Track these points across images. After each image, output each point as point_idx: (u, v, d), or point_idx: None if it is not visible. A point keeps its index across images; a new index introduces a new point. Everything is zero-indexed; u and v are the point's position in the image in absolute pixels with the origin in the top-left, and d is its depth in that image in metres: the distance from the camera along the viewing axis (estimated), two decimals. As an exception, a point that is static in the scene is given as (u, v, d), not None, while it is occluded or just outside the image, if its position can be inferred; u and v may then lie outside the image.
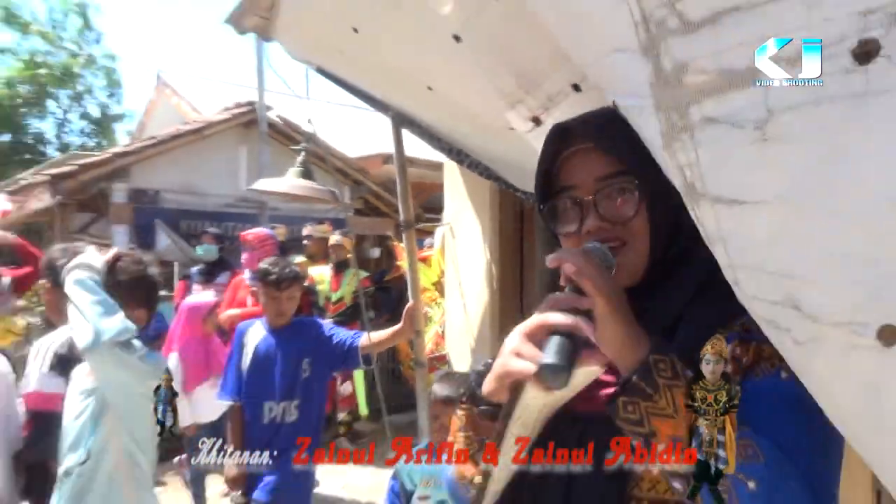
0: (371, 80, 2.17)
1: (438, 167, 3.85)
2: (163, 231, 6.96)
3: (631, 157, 0.92)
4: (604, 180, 0.96)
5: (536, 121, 1.20)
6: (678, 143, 0.71)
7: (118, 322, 1.87)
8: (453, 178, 2.72)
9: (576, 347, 0.81)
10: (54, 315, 2.39)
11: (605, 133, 0.95)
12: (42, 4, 19.02)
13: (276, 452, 2.78)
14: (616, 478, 0.88)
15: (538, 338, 0.84)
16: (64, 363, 2.32)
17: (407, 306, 2.96)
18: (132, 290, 2.01)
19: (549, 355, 0.80)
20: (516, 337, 0.86)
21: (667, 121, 0.70)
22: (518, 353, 0.85)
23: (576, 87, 1.08)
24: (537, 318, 0.84)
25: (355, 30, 1.57)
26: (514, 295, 3.30)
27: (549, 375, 0.79)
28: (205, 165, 7.61)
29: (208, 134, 7.60)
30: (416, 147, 2.74)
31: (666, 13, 0.66)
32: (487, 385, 0.94)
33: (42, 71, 18.42)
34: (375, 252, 8.44)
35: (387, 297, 6.40)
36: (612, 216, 0.95)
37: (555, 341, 0.80)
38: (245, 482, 2.87)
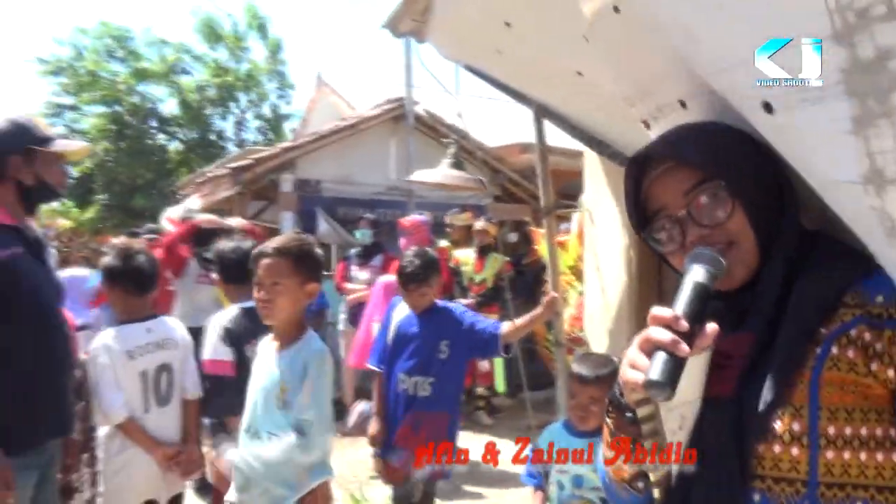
0: (517, 74, 2.15)
1: (574, 155, 3.77)
2: (322, 217, 7.34)
3: (713, 163, 0.92)
4: (691, 192, 0.95)
5: (646, 124, 1.18)
6: (873, 128, 0.66)
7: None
8: (593, 166, 2.64)
9: (678, 363, 0.80)
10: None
11: (685, 146, 0.96)
12: (228, 19, 20.46)
13: (409, 422, 2.87)
14: (739, 456, 0.86)
15: (648, 350, 0.83)
16: (232, 336, 2.57)
17: (547, 294, 2.93)
18: (308, 264, 2.12)
19: (654, 371, 0.79)
20: (633, 346, 0.86)
21: (861, 106, 0.66)
22: (632, 364, 0.85)
23: (682, 104, 1.05)
24: (645, 332, 0.84)
25: (507, 24, 1.56)
26: (652, 279, 3.16)
27: (653, 390, 0.80)
28: (359, 157, 7.93)
29: (362, 128, 7.89)
30: (553, 137, 2.71)
31: (871, 1, 0.62)
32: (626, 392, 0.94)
33: (228, 78, 20.02)
34: (513, 237, 8.44)
35: (523, 280, 6.38)
36: (709, 222, 0.94)
37: (659, 358, 0.80)
38: (383, 442, 2.98)
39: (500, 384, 6.12)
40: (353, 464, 4.62)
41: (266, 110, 21.75)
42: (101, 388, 2.44)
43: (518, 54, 1.85)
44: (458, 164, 3.15)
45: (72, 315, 2.47)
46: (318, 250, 2.20)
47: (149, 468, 2.48)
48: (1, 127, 2.01)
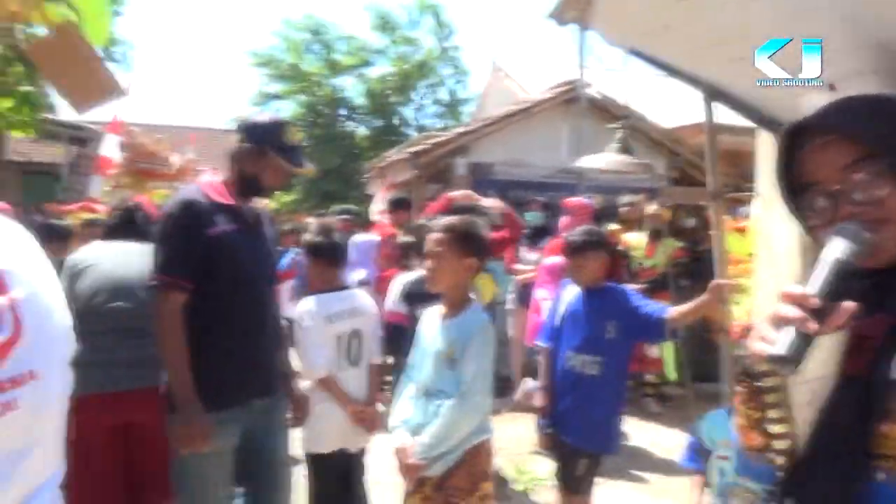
0: (687, 53, 2.12)
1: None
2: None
3: (879, 138, 0.88)
4: (850, 167, 0.91)
5: (832, 87, 1.13)
6: None
7: None
8: (766, 148, 2.52)
9: (806, 340, 0.80)
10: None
11: (852, 120, 0.92)
12: (403, 10, 21.47)
13: (577, 400, 2.94)
14: (864, 435, 0.86)
15: (777, 325, 0.84)
16: (410, 296, 2.93)
17: (713, 281, 2.84)
18: (470, 241, 2.30)
19: (780, 346, 0.80)
20: (764, 320, 0.87)
21: None
22: (761, 337, 0.86)
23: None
24: (775, 308, 0.84)
25: None
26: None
27: (778, 365, 0.81)
28: (531, 140, 8.03)
29: (535, 112, 7.98)
30: (735, 114, 2.59)
31: None
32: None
33: (406, 66, 21.05)
34: (691, 221, 8.07)
35: (700, 266, 6.11)
36: (867, 199, 0.90)
37: (786, 333, 0.80)
38: (549, 413, 3.08)
39: (671, 371, 5.96)
40: (518, 438, 4.80)
41: (444, 96, 22.54)
42: (306, 348, 2.82)
43: (688, 29, 1.84)
44: (625, 149, 3.14)
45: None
46: (484, 230, 2.34)
47: (341, 420, 2.83)
48: (265, 119, 2.39)
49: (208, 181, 2.34)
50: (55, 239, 4.23)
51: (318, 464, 2.85)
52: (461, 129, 8.12)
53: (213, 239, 2.19)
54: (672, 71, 2.24)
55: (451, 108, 22.48)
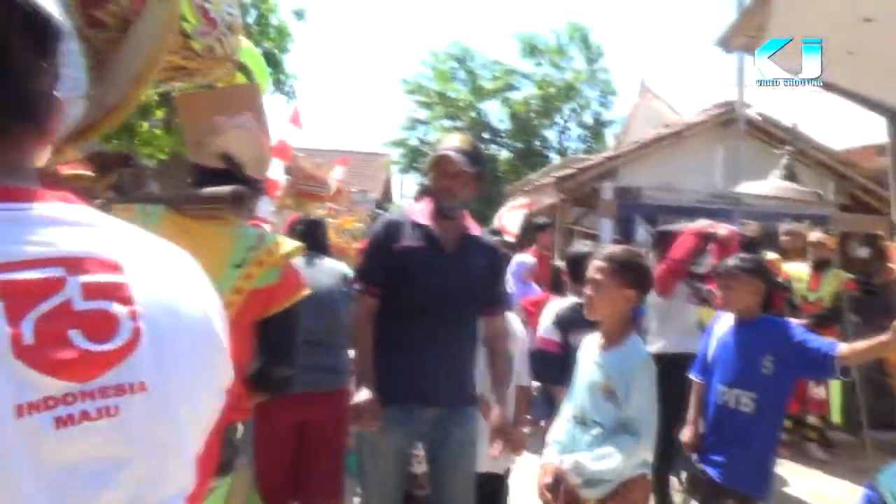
0: (871, 76, 2.00)
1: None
2: (641, 225, 7.36)
3: None
4: None
5: None
6: None
7: None
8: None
9: None
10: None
11: None
12: (551, 34, 21.56)
13: (728, 436, 2.79)
14: None
15: None
16: (562, 322, 2.91)
17: (896, 319, 2.60)
18: (631, 273, 2.28)
19: None
20: None
21: None
22: None
23: None
24: None
25: (868, 20, 1.50)
26: None
27: None
28: (682, 164, 7.74)
29: (686, 135, 7.70)
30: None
31: None
32: None
33: (551, 90, 21.13)
34: (863, 252, 7.37)
35: (874, 301, 5.57)
36: None
37: None
38: (697, 449, 2.96)
39: (836, 414, 5.45)
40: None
41: (587, 118, 22.32)
42: None
43: (876, 52, 1.74)
44: (790, 175, 2.96)
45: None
46: (646, 263, 2.33)
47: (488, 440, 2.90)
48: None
49: (420, 205, 2.65)
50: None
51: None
52: (609, 154, 8.00)
53: (396, 252, 2.44)
54: (852, 96, 2.11)
55: (596, 130, 22.21)
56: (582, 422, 2.25)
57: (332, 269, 3.24)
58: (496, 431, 2.38)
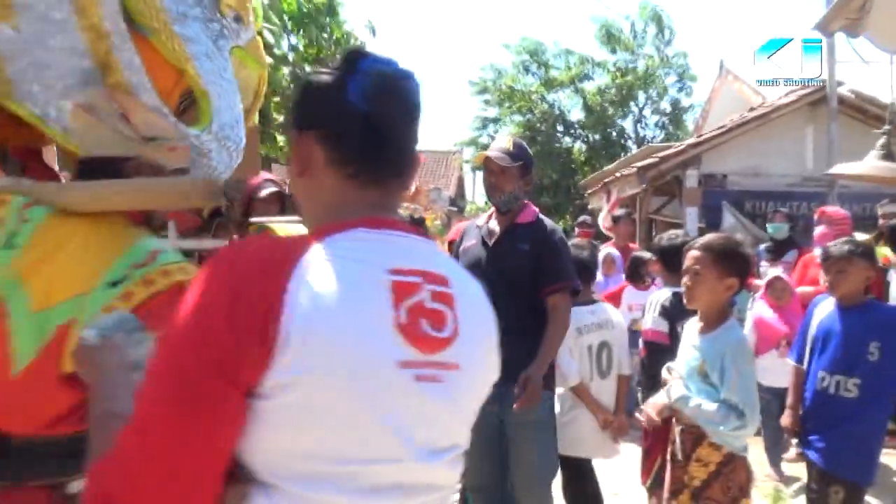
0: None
1: None
2: (728, 212, 7.22)
3: None
4: None
5: None
6: None
7: None
8: None
9: None
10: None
11: None
12: (625, 21, 21.15)
13: (829, 422, 2.77)
14: None
15: None
16: (667, 313, 2.91)
17: None
18: (730, 261, 2.30)
19: None
20: None
21: None
22: None
23: None
24: None
25: None
26: None
27: None
28: (769, 148, 7.54)
29: (773, 117, 7.49)
30: None
31: None
32: None
33: (626, 78, 20.75)
34: (973, 232, 6.96)
35: None
36: None
37: None
38: (796, 432, 2.95)
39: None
40: (757, 462, 4.56)
41: (665, 105, 21.78)
42: (560, 356, 3.03)
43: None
44: (888, 155, 2.89)
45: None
46: (746, 250, 2.33)
47: (591, 427, 3.01)
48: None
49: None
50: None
51: (568, 466, 3.02)
52: (692, 141, 7.87)
53: (461, 253, 2.79)
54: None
55: (674, 117, 21.64)
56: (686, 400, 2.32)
57: None
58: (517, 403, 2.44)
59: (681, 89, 21.75)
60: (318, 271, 0.74)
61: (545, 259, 2.64)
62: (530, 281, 2.61)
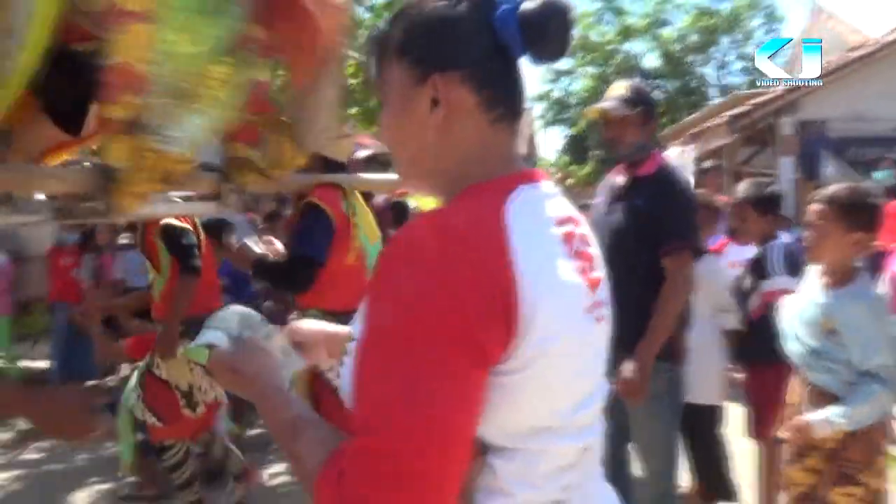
0: None
1: None
2: (829, 160, 6.83)
3: None
4: None
5: None
6: None
7: None
8: None
9: None
10: None
11: None
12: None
13: None
14: None
15: None
16: (792, 263, 2.71)
17: None
18: (857, 214, 2.16)
19: None
20: None
21: None
22: None
23: None
24: None
25: None
26: None
27: None
28: (873, 90, 7.04)
29: (879, 57, 6.97)
30: None
31: None
32: None
33: (708, 22, 19.69)
34: None
35: None
36: None
37: None
38: None
39: None
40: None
41: (750, 49, 20.59)
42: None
43: None
44: None
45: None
46: (875, 201, 2.17)
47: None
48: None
49: None
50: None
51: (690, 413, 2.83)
52: (789, 86, 7.42)
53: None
54: None
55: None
56: (805, 361, 2.22)
57: None
58: (621, 375, 2.34)
59: (768, 31, 20.47)
60: (524, 239, 0.72)
61: (660, 216, 2.38)
62: (648, 241, 2.38)
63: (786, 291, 2.45)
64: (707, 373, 2.87)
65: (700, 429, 2.90)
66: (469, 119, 0.80)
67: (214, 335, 0.93)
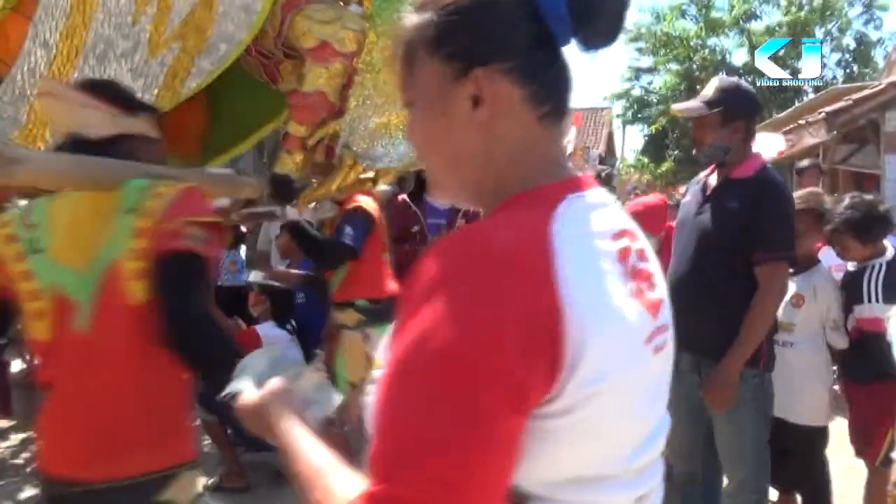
0: None
1: None
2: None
3: None
4: None
5: None
6: None
7: None
8: None
9: None
10: None
11: None
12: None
13: None
14: None
15: None
16: (891, 287, 2.52)
17: None
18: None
19: None
20: None
21: None
22: None
23: None
24: None
25: None
26: None
27: None
28: None
29: None
30: None
31: None
32: None
33: (801, 13, 18.73)
34: None
35: None
36: None
37: None
38: None
39: None
40: None
41: (848, 40, 19.44)
42: None
43: None
44: None
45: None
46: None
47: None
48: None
49: None
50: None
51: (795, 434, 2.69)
52: (892, 79, 6.95)
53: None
54: None
55: (859, 54, 19.27)
56: None
57: None
58: (707, 384, 2.31)
59: (868, 21, 19.25)
60: (573, 262, 0.63)
61: (755, 222, 2.28)
62: (739, 245, 2.30)
63: (881, 320, 2.29)
64: (813, 393, 2.67)
65: (803, 451, 2.73)
66: (515, 117, 0.71)
67: (241, 382, 0.88)
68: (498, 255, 0.61)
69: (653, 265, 0.75)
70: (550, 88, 0.72)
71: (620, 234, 0.71)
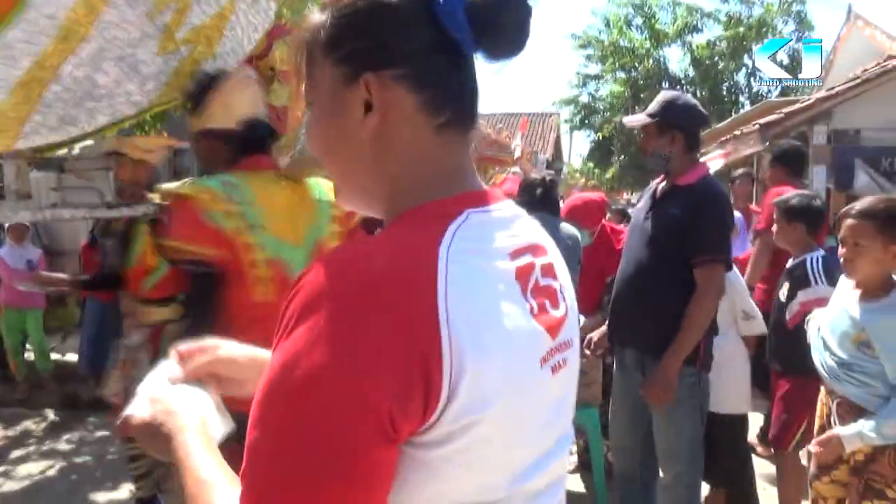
0: None
1: None
2: (862, 170, 6.71)
3: None
4: None
5: None
6: None
7: None
8: None
9: None
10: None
11: None
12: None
13: None
14: None
15: None
16: (830, 275, 2.64)
17: None
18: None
19: None
20: None
21: None
22: None
23: None
24: None
25: None
26: None
27: None
28: (910, 99, 6.89)
29: (917, 66, 6.82)
30: None
31: None
32: None
33: (739, 29, 19.47)
34: None
35: None
36: None
37: None
38: None
39: None
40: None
41: (782, 56, 20.30)
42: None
43: None
44: None
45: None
46: None
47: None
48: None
49: None
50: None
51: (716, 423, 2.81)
52: (822, 94, 7.31)
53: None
54: None
55: (792, 69, 20.14)
56: (832, 371, 2.19)
57: (570, 232, 3.29)
58: (647, 382, 2.44)
59: (799, 39, 20.19)
60: (461, 285, 0.60)
61: (693, 226, 2.39)
62: (680, 248, 2.41)
63: (826, 301, 2.42)
64: (732, 382, 2.85)
65: (726, 439, 2.88)
66: (409, 126, 0.68)
67: (135, 403, 0.82)
68: (378, 277, 0.58)
69: (561, 279, 0.74)
70: (449, 97, 0.69)
71: (522, 251, 0.68)
